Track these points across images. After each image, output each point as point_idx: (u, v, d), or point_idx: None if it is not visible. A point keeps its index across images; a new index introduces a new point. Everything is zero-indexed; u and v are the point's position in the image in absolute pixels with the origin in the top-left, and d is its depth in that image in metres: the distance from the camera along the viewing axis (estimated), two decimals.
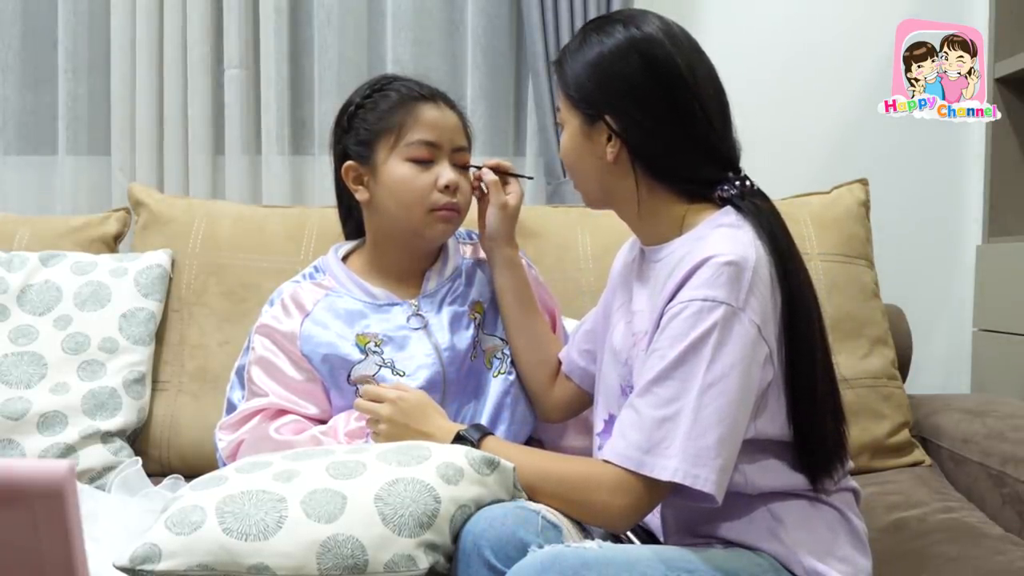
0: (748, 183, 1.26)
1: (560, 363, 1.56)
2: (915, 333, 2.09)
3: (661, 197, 1.27)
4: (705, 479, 1.12)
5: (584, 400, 1.53)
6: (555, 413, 1.56)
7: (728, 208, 1.25)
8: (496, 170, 1.55)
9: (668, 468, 1.13)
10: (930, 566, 1.46)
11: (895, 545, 1.53)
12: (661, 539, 1.30)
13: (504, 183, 1.55)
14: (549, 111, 2.37)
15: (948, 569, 1.44)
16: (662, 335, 1.17)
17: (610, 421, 1.36)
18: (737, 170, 1.28)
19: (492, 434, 1.32)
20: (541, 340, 1.56)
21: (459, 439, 1.29)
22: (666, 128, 1.24)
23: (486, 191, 1.54)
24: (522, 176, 1.60)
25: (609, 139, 1.26)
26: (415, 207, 1.48)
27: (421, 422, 1.35)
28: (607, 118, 1.25)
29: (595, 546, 1.12)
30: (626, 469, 1.16)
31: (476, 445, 1.27)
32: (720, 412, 1.13)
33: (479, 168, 1.55)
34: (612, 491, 1.17)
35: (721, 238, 1.19)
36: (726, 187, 1.25)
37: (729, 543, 1.22)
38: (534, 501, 1.20)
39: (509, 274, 1.55)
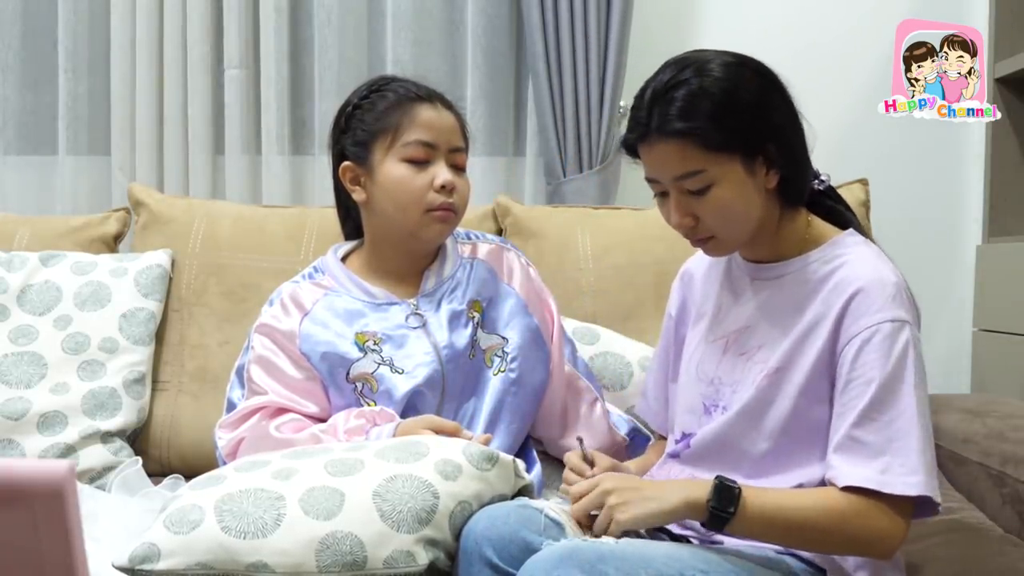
0: (823, 176, 1.30)
1: None
2: None
3: (790, 212, 1.27)
4: (936, 491, 1.15)
5: None
6: None
7: (850, 230, 1.27)
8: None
9: (916, 484, 1.14)
10: (930, 566, 1.46)
11: None
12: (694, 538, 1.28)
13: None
14: (549, 111, 2.37)
15: (948, 569, 1.44)
16: (858, 363, 1.17)
17: (683, 440, 1.34)
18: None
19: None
20: None
21: (720, 487, 1.15)
22: (798, 138, 1.25)
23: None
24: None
25: (767, 168, 1.22)
26: (411, 207, 1.48)
27: (646, 486, 1.19)
28: (769, 146, 1.21)
29: (612, 541, 1.12)
30: (867, 493, 1.14)
31: (737, 488, 1.14)
32: (929, 428, 1.16)
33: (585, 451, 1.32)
34: (868, 517, 1.15)
35: (872, 259, 1.22)
36: (813, 183, 1.29)
37: (783, 554, 1.21)
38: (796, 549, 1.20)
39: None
